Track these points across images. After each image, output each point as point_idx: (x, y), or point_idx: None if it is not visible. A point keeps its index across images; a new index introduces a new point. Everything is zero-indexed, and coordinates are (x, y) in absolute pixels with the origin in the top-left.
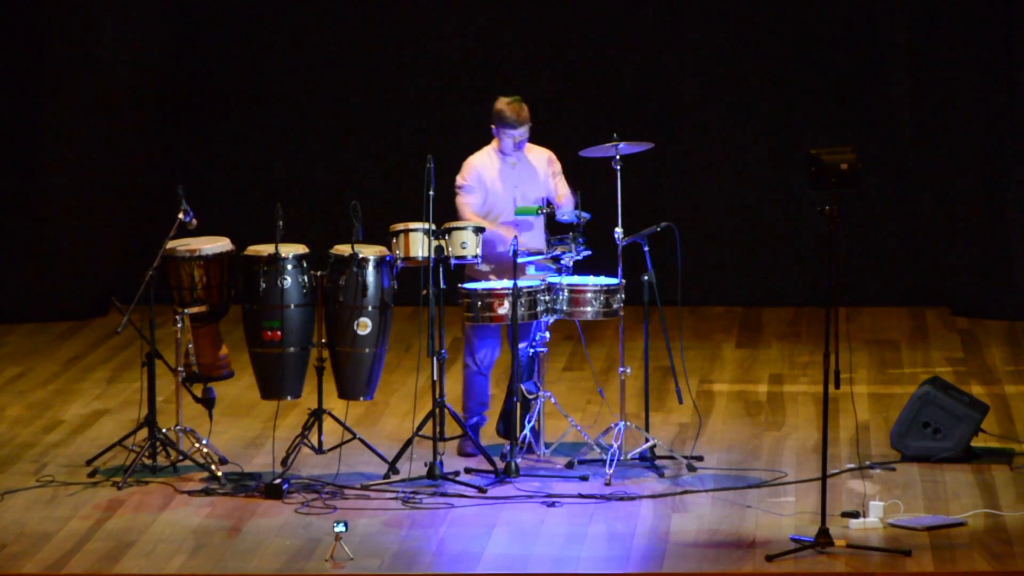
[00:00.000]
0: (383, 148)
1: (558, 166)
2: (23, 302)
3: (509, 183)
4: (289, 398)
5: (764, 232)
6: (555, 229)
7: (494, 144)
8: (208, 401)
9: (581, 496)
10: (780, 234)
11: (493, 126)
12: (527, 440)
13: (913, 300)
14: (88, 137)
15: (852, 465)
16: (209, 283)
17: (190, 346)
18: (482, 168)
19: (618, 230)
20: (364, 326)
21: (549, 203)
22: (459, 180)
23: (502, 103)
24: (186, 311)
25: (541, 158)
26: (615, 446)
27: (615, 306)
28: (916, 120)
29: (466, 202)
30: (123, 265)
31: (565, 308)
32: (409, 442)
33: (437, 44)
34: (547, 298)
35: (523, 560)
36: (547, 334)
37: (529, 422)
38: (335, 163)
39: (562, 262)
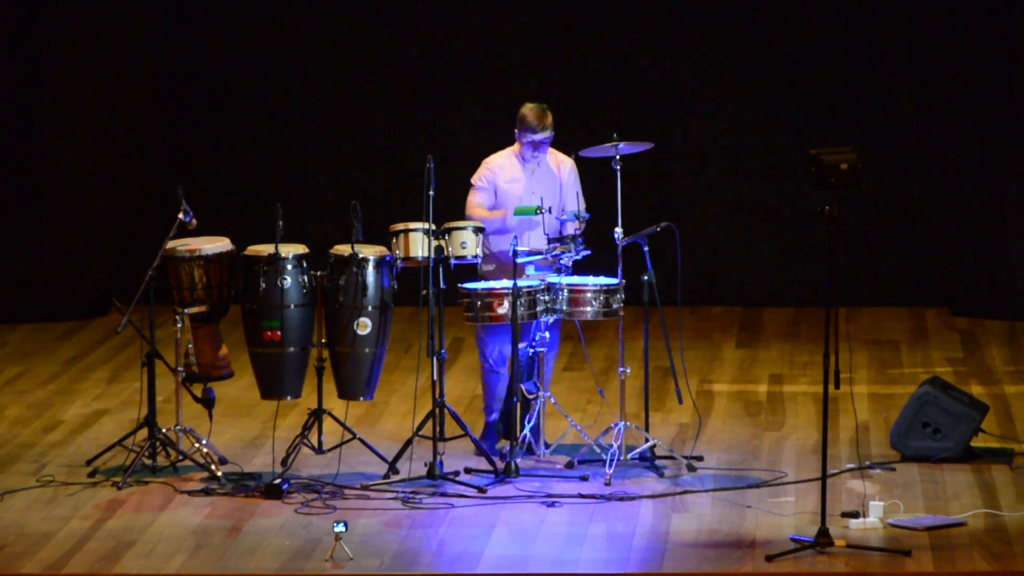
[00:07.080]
0: (383, 148)
1: (574, 178)
2: (23, 302)
3: (526, 189)
4: (289, 398)
5: (764, 232)
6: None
7: (515, 147)
8: (208, 401)
9: (581, 496)
10: (780, 234)
11: (516, 130)
12: (527, 440)
13: (913, 300)
14: (88, 137)
15: (852, 465)
16: (209, 283)
17: (190, 346)
18: (499, 170)
19: (618, 230)
20: (364, 326)
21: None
22: (474, 178)
23: (526, 107)
24: (186, 311)
25: (564, 166)
26: (615, 446)
27: (615, 306)
28: (916, 120)
29: (477, 202)
30: (123, 265)
31: (565, 308)
32: (409, 442)
33: (437, 44)
34: (547, 298)
35: (523, 560)
36: (547, 334)
37: (529, 422)
38: (335, 163)
39: (561, 262)
